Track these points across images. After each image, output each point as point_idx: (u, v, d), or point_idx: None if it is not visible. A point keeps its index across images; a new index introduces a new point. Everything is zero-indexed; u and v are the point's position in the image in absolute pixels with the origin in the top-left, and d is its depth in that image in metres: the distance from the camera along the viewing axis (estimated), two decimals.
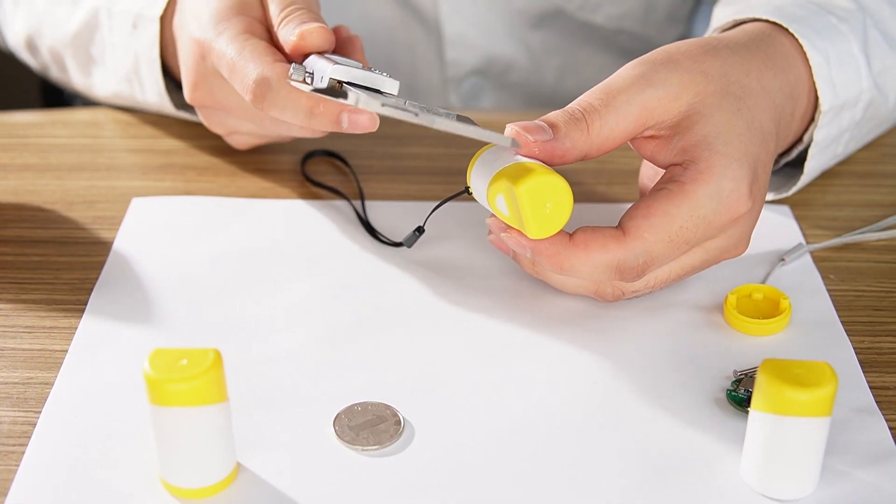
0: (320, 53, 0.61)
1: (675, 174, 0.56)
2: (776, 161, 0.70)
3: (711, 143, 0.56)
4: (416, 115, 0.54)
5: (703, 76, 0.58)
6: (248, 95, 0.60)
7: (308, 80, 0.59)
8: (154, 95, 0.74)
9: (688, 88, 0.57)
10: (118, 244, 0.66)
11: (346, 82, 0.58)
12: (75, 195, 0.71)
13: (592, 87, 0.58)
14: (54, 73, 0.83)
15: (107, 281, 0.63)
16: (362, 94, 0.54)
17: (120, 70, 0.75)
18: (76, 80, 0.80)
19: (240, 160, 0.74)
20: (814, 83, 0.65)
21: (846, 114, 0.68)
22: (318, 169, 0.73)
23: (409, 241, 0.64)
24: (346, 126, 0.59)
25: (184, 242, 0.66)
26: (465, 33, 0.89)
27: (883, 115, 0.72)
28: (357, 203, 0.69)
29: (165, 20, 0.71)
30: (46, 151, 0.76)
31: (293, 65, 0.59)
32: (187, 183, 0.72)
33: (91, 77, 0.78)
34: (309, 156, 0.74)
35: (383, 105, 0.54)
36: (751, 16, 0.66)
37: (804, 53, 0.64)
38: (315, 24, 0.62)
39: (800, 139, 0.68)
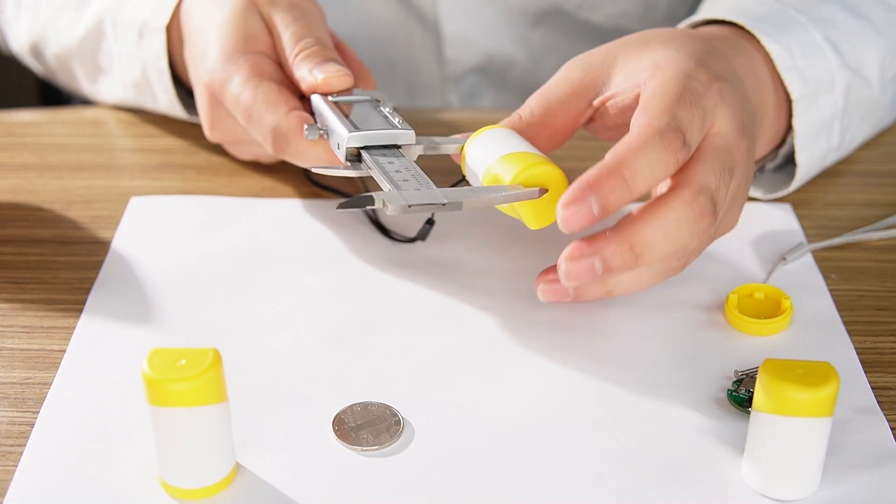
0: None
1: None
2: (764, 165, 0.70)
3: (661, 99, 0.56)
4: (444, 204, 0.53)
5: (668, 49, 0.59)
6: (269, 145, 0.62)
7: (324, 136, 0.60)
8: (165, 104, 0.74)
9: (658, 53, 0.58)
10: (117, 244, 0.65)
11: (362, 148, 0.59)
12: (74, 194, 0.70)
13: None
14: (62, 79, 0.83)
15: (105, 281, 0.62)
16: (387, 197, 0.53)
17: (127, 78, 0.75)
18: (85, 86, 0.80)
19: (239, 160, 0.74)
20: (781, 77, 0.65)
21: (824, 100, 0.68)
22: None
23: (423, 234, 0.64)
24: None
25: (183, 242, 0.66)
26: (464, 32, 0.88)
27: (871, 100, 0.71)
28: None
29: (172, 27, 0.71)
30: (45, 150, 0.75)
31: (306, 126, 0.60)
32: (186, 182, 0.72)
33: (98, 84, 0.78)
34: None
35: (409, 206, 0.53)
36: (707, 17, 0.67)
37: (764, 50, 0.65)
38: (335, 68, 0.63)
39: (783, 140, 0.68)
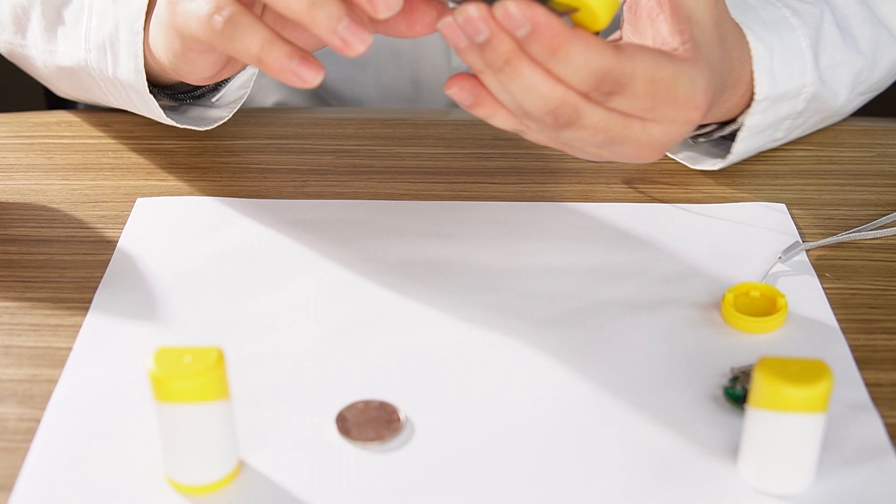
0: None
1: (677, 43, 0.57)
2: (710, 133, 0.72)
3: (693, 34, 0.57)
4: None
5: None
6: None
7: None
8: (129, 72, 0.68)
9: None
10: (123, 243, 0.66)
11: None
12: (80, 195, 0.71)
13: None
14: (4, 38, 0.77)
15: (111, 279, 0.63)
16: None
17: (93, 37, 0.69)
18: (34, 46, 0.74)
19: (243, 160, 0.74)
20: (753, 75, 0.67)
21: (785, 104, 0.70)
22: (318, 166, 0.74)
23: None
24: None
25: (187, 242, 0.66)
26: None
27: (832, 109, 0.73)
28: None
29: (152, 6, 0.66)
30: (52, 151, 0.76)
31: None
32: (191, 183, 0.72)
33: (55, 42, 0.73)
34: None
35: None
36: None
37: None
38: None
39: (734, 119, 0.70)
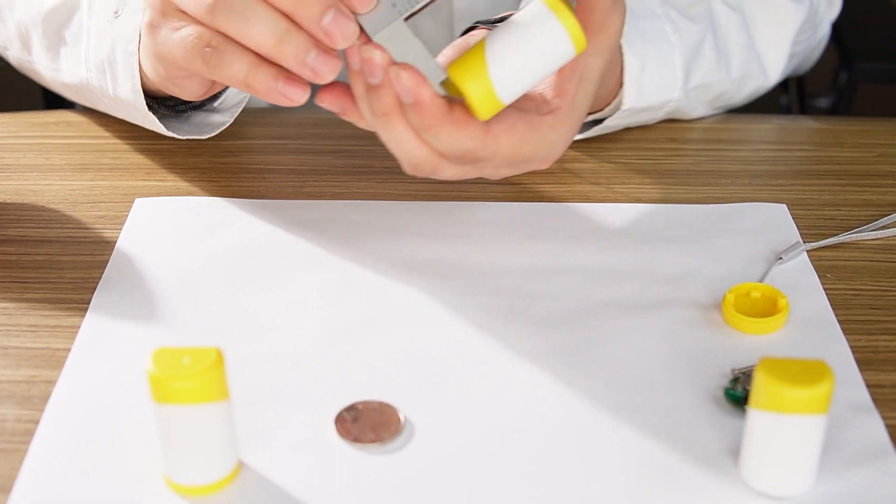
0: None
1: (540, 104, 0.59)
2: None
3: (576, 95, 0.59)
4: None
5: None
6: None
7: None
8: (127, 91, 0.69)
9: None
10: (121, 244, 0.66)
11: None
12: (79, 195, 0.71)
13: None
14: (13, 53, 0.79)
15: (110, 280, 0.63)
16: None
17: (92, 57, 0.70)
18: (40, 62, 0.76)
19: (242, 160, 0.74)
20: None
21: (647, 114, 0.74)
22: (317, 166, 0.74)
23: None
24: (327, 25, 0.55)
25: (186, 242, 0.66)
26: (474, 7, 0.88)
27: (687, 111, 0.77)
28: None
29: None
30: (50, 152, 0.76)
31: None
32: (190, 183, 0.72)
33: (58, 61, 0.74)
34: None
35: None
36: None
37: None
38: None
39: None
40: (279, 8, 0.54)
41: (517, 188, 0.72)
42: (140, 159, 0.75)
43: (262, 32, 0.54)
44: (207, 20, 0.56)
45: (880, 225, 0.68)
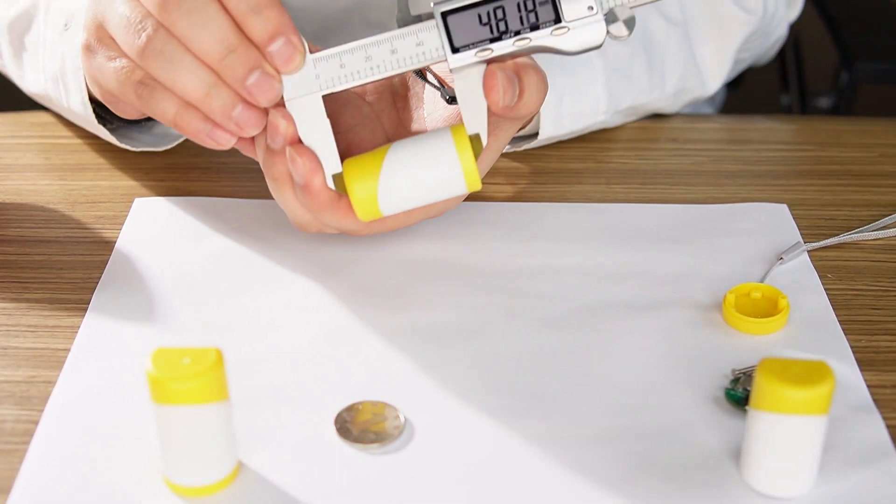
0: None
1: None
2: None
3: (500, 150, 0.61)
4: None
5: None
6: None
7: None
8: (77, 104, 0.69)
9: None
10: (121, 244, 0.66)
11: None
12: (78, 195, 0.71)
13: None
14: None
15: (109, 280, 0.63)
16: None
17: (48, 68, 0.70)
18: (10, 69, 0.76)
19: (242, 161, 0.74)
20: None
21: (567, 135, 0.74)
22: None
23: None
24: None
25: (186, 242, 0.66)
26: None
27: (609, 124, 0.77)
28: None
29: None
30: (49, 151, 0.76)
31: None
32: (190, 183, 0.72)
33: (23, 69, 0.74)
34: None
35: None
36: None
37: None
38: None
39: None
40: (206, 63, 0.55)
41: (517, 188, 0.72)
42: (140, 159, 0.75)
43: (190, 82, 0.55)
44: (138, 62, 0.56)
45: (881, 225, 0.68)
